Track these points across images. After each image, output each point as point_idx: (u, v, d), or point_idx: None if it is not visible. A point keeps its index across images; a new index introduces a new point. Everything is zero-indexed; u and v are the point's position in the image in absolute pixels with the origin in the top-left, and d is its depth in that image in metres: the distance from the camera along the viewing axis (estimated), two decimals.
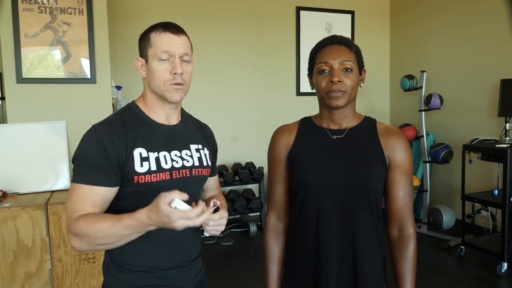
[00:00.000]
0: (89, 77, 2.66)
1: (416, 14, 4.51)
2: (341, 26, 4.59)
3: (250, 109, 4.30)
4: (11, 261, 2.13)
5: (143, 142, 1.10)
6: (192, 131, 1.26)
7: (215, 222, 1.07)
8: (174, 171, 1.13)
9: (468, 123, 3.92)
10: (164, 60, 1.10)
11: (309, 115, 1.28)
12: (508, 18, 3.46)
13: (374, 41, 4.79)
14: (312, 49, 1.20)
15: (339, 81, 1.11)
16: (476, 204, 3.45)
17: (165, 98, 1.13)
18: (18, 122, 2.53)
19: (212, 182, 1.35)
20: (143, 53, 1.14)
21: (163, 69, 1.10)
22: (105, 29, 2.70)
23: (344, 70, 1.13)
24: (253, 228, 3.79)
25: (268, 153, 1.28)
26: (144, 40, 1.14)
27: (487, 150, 3.21)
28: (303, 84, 4.49)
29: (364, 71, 1.20)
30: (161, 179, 1.09)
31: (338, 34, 1.20)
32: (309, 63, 1.21)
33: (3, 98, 2.78)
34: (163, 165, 1.11)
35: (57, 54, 2.59)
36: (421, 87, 3.99)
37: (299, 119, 1.29)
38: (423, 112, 4.01)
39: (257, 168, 4.03)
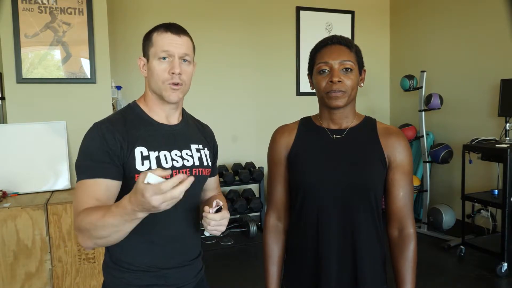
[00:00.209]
0: (89, 77, 2.66)
1: (416, 14, 4.51)
2: (341, 26, 4.59)
3: (250, 109, 4.30)
4: (11, 261, 2.13)
5: (144, 141, 1.11)
6: (192, 131, 1.26)
7: (217, 222, 1.07)
8: (175, 171, 1.13)
9: (468, 123, 3.92)
10: (164, 59, 1.11)
11: (309, 115, 1.28)
12: (508, 18, 3.46)
13: (374, 41, 4.79)
14: (312, 49, 1.20)
15: (339, 81, 1.12)
16: (476, 204, 3.45)
17: (163, 98, 1.13)
18: (18, 122, 2.53)
19: (212, 182, 1.35)
20: (145, 52, 1.16)
21: (162, 69, 1.11)
22: (105, 29, 2.70)
23: (344, 70, 1.13)
24: (253, 228, 3.79)
25: (268, 153, 1.28)
26: (147, 39, 1.15)
27: (487, 150, 3.21)
28: (303, 84, 4.49)
29: (364, 71, 1.20)
30: None
31: (338, 34, 1.20)
32: (309, 63, 1.22)
33: (3, 98, 2.78)
34: (164, 164, 1.11)
35: (57, 54, 2.60)
36: (421, 87, 3.99)
37: (299, 119, 1.29)
38: (423, 112, 4.01)
39: (257, 168, 4.03)
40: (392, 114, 4.97)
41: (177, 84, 1.12)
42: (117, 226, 0.91)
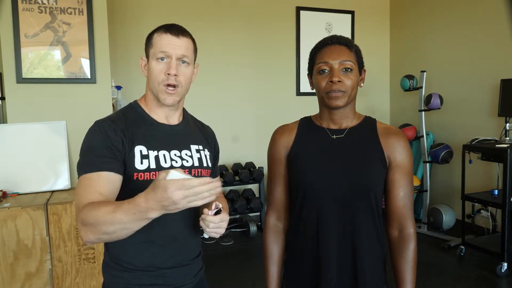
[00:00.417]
0: (89, 77, 2.66)
1: (416, 14, 4.51)
2: (341, 26, 4.59)
3: (250, 109, 4.30)
4: (11, 261, 2.13)
5: (144, 140, 1.11)
6: (193, 131, 1.26)
7: (215, 225, 1.06)
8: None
9: (468, 123, 3.92)
10: (161, 60, 1.11)
11: (309, 115, 1.28)
12: (508, 18, 3.46)
13: (374, 41, 4.79)
14: (312, 49, 1.20)
15: (339, 81, 1.12)
16: (476, 204, 3.45)
17: (159, 100, 1.14)
18: (18, 122, 2.53)
19: None
20: (146, 52, 1.17)
21: (159, 69, 1.11)
22: (105, 29, 2.70)
23: (344, 70, 1.13)
24: (253, 228, 3.79)
25: (268, 153, 1.28)
26: (148, 40, 1.16)
27: (487, 150, 3.21)
28: (303, 84, 4.49)
29: (364, 71, 1.20)
30: None
31: (338, 34, 1.20)
32: (309, 63, 1.22)
33: (3, 98, 2.78)
34: (163, 164, 1.11)
35: (57, 54, 2.59)
36: (421, 87, 3.99)
37: (299, 119, 1.29)
38: (423, 112, 4.01)
39: (257, 168, 4.03)
40: (392, 114, 4.97)
41: (173, 86, 1.12)
42: (126, 223, 0.91)
